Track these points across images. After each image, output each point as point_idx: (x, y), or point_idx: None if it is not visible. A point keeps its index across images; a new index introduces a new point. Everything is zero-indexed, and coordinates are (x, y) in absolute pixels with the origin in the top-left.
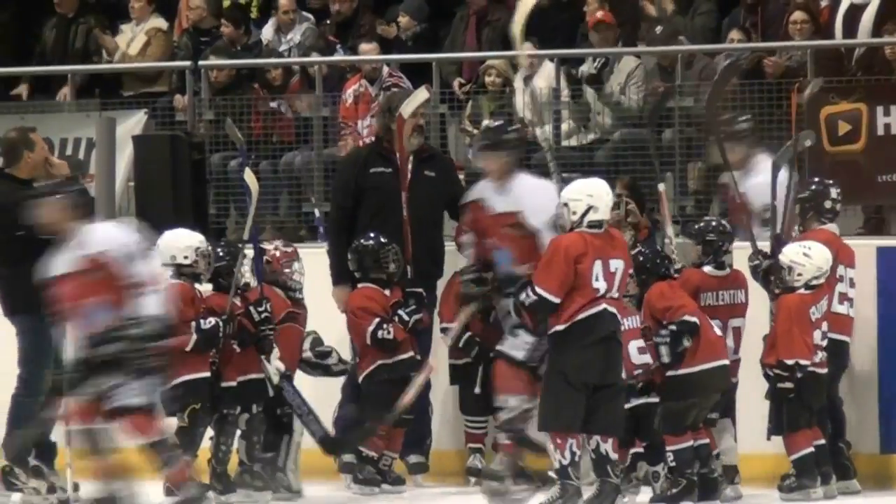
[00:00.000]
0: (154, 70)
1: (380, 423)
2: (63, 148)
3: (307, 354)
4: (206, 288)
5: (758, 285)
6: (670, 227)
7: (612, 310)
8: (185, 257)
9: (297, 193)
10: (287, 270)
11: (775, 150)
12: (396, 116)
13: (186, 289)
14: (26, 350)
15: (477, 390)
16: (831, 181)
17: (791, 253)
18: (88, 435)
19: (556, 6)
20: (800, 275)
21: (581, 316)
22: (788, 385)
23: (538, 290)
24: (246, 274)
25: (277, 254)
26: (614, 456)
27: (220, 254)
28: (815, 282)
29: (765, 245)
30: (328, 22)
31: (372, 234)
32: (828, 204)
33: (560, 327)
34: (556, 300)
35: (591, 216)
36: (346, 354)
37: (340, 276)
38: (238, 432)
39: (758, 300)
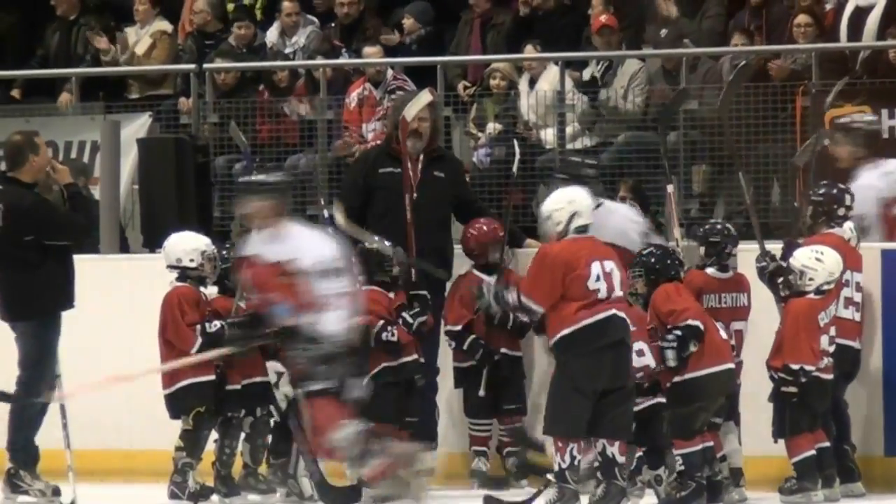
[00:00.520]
0: (159, 73)
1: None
2: (67, 151)
3: None
4: (211, 291)
5: (762, 288)
6: (677, 229)
7: (622, 315)
8: (191, 260)
9: (302, 196)
10: None
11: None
12: (400, 119)
13: (191, 292)
14: (27, 354)
15: (481, 393)
16: (845, 186)
17: (803, 258)
18: (353, 440)
19: (560, 9)
20: (811, 279)
21: (588, 321)
22: (792, 389)
23: (523, 299)
24: None
25: None
26: (621, 459)
27: (226, 256)
28: (825, 287)
29: (770, 246)
30: (333, 25)
31: (376, 238)
32: (841, 211)
33: (566, 331)
34: (541, 309)
35: (577, 222)
36: None
37: None
38: (242, 435)
39: (762, 303)
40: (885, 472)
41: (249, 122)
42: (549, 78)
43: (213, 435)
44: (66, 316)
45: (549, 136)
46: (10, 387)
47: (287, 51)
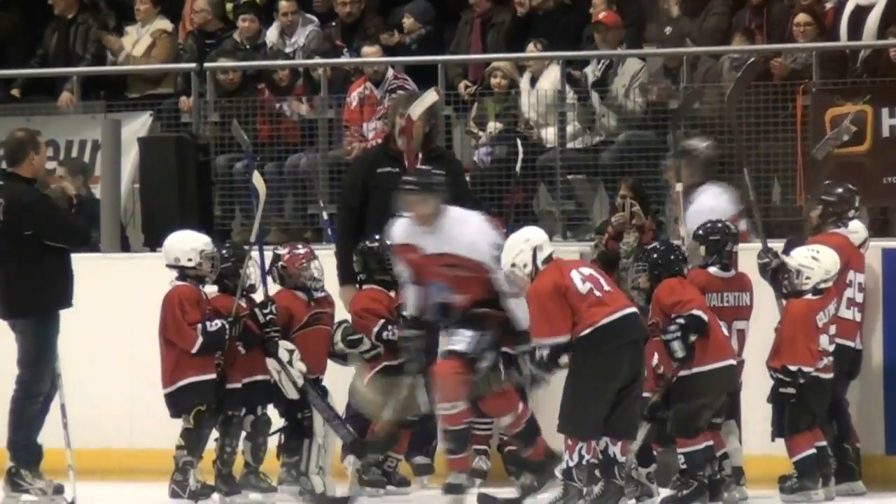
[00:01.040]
0: (159, 72)
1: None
2: (68, 150)
3: (339, 346)
4: (211, 289)
5: (764, 288)
6: (683, 228)
7: (637, 313)
8: (189, 260)
9: (303, 195)
10: (305, 273)
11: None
12: (405, 118)
13: (192, 291)
14: (27, 352)
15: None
16: (855, 188)
17: (800, 256)
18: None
19: (561, 8)
20: (808, 278)
21: (605, 320)
22: (790, 390)
23: (545, 341)
24: (252, 276)
25: (289, 256)
26: (622, 458)
27: (226, 255)
28: (822, 285)
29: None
30: (334, 25)
31: (377, 237)
32: (851, 212)
33: (584, 332)
34: (566, 338)
35: (542, 255)
36: None
37: (347, 276)
38: (243, 434)
39: (764, 303)
40: (886, 470)
41: (250, 121)
42: (550, 77)
43: (214, 434)
44: (66, 315)
45: (549, 134)
46: (10, 386)
47: (287, 50)
